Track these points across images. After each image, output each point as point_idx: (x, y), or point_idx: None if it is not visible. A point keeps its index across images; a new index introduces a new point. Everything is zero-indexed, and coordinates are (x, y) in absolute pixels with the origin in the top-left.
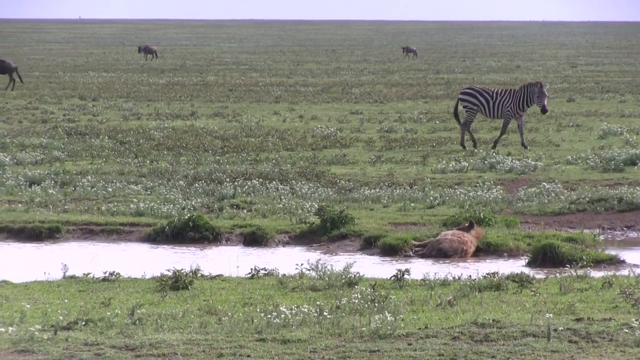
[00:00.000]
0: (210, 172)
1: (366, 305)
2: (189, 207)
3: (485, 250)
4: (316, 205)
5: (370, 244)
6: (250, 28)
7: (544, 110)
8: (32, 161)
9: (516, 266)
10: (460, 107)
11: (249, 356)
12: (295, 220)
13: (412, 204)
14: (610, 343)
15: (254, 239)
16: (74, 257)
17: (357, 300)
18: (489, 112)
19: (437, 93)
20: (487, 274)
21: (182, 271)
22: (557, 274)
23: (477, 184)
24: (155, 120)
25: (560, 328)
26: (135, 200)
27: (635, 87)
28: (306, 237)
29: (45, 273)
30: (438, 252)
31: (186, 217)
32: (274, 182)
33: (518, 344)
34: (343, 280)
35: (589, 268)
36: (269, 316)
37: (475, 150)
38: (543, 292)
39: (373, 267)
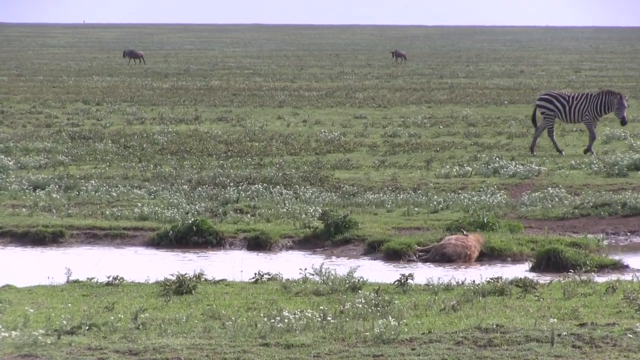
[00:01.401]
0: (214, 177)
1: (370, 310)
2: (192, 211)
3: (489, 255)
4: (320, 210)
5: (374, 249)
6: (254, 32)
7: (623, 122)
8: (35, 165)
9: (520, 271)
10: (538, 114)
11: None
12: (299, 225)
13: (416, 209)
14: (614, 348)
15: (258, 243)
16: (77, 261)
17: (360, 305)
18: (566, 117)
19: (440, 98)
20: (491, 278)
21: (185, 276)
22: (561, 279)
23: (481, 189)
24: (159, 124)
25: (564, 333)
26: (139, 204)
27: (639, 92)
28: (310, 242)
29: (48, 277)
30: (442, 257)
31: (190, 221)
32: (278, 187)
33: (522, 348)
34: (347, 285)
35: (592, 273)
36: (273, 321)
37: (560, 155)
38: (547, 297)
39: (377, 272)
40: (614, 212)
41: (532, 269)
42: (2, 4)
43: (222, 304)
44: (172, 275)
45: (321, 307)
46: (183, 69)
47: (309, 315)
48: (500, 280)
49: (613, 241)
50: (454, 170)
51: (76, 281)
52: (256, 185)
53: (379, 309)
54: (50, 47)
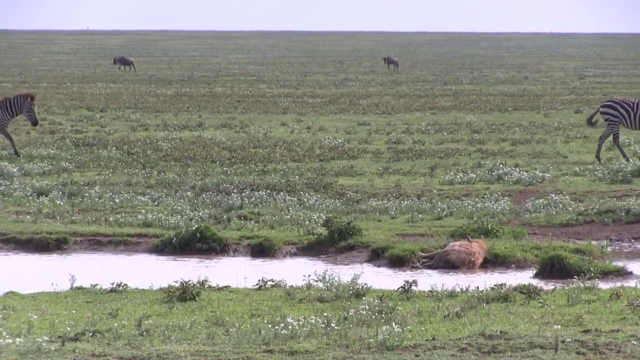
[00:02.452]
0: (217, 183)
1: (374, 317)
2: (196, 218)
3: (492, 262)
4: (324, 217)
5: (377, 255)
6: (258, 39)
7: None
8: (39, 172)
9: (524, 277)
10: (601, 120)
11: None
12: (303, 232)
13: (420, 215)
14: (618, 355)
15: (262, 250)
16: (81, 268)
17: (364, 312)
18: (631, 123)
19: (444, 104)
20: (495, 285)
21: (189, 282)
22: (565, 286)
23: (485, 196)
24: (163, 131)
25: (568, 339)
26: (142, 211)
27: None
28: (314, 249)
29: (52, 284)
30: (446, 264)
31: (194, 228)
32: (282, 193)
33: (525, 355)
34: (350, 292)
35: (596, 279)
36: (277, 327)
37: (627, 163)
38: (551, 304)
39: (380, 278)
40: (618, 218)
41: (536, 276)
42: (6, 11)
43: (225, 311)
44: (175, 281)
45: (325, 314)
46: (187, 76)
47: (313, 321)
48: (504, 286)
49: (617, 248)
50: (458, 176)
51: (80, 288)
52: (260, 192)
53: (382, 315)
54: (54, 53)
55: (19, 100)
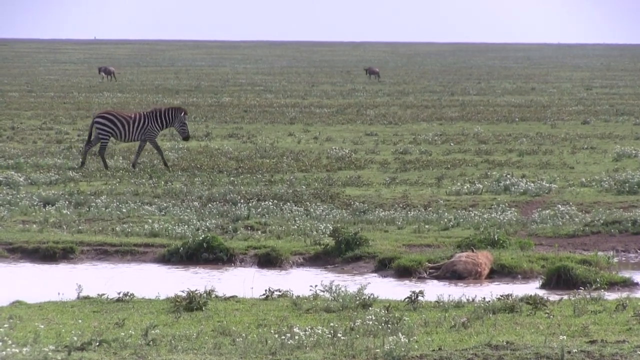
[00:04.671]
0: (224, 193)
1: (380, 327)
2: (203, 228)
3: (499, 272)
4: (330, 227)
5: (384, 266)
6: (265, 49)
7: None
8: (46, 181)
9: (530, 288)
10: None
11: None
12: (310, 242)
13: (427, 226)
14: None
15: (268, 260)
16: (88, 277)
17: (371, 322)
18: None
19: (452, 115)
20: (501, 295)
21: (196, 292)
22: (571, 296)
23: (492, 206)
24: (170, 140)
25: (574, 350)
26: (149, 220)
27: None
28: (320, 259)
29: (59, 293)
30: (452, 274)
31: (200, 238)
32: (289, 204)
33: None
34: (357, 302)
35: (602, 290)
36: (283, 337)
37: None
38: (557, 314)
39: (387, 289)
40: (624, 229)
41: (543, 286)
42: (13, 20)
43: (232, 321)
44: (182, 291)
45: (331, 324)
46: (194, 86)
47: (320, 332)
48: (510, 297)
49: (623, 259)
50: (465, 187)
51: (86, 297)
52: (267, 202)
53: (389, 325)
54: (61, 63)
55: (172, 113)
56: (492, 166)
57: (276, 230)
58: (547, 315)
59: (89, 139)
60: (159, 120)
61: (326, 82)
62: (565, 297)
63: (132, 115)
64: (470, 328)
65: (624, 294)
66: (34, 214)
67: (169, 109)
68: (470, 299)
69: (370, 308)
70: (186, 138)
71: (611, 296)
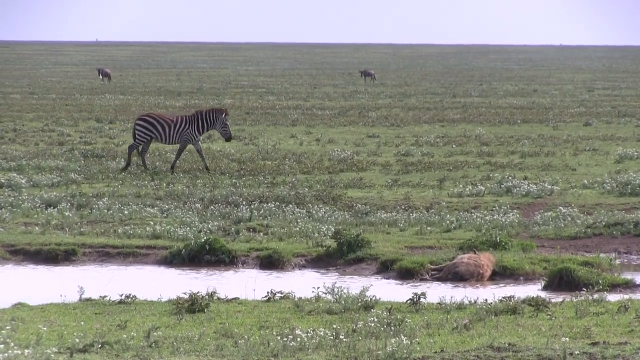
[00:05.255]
0: (226, 195)
1: (382, 329)
2: (205, 230)
3: (501, 274)
4: (332, 229)
5: (386, 268)
6: (267, 51)
7: None
8: (48, 183)
9: (532, 290)
10: None
11: None
12: (312, 244)
13: (429, 228)
14: None
15: (271, 262)
16: (90, 279)
17: (373, 324)
18: None
19: (453, 117)
20: (503, 297)
21: (198, 294)
22: (573, 298)
23: (494, 208)
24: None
25: (576, 352)
26: (151, 222)
27: None
28: (322, 261)
29: (61, 295)
30: (454, 276)
31: (202, 240)
32: (291, 206)
33: None
34: (359, 304)
35: (604, 292)
36: (285, 339)
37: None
38: (559, 316)
39: (389, 291)
40: (626, 231)
41: (545, 288)
42: (14, 22)
43: (234, 323)
44: (184, 293)
45: (334, 326)
46: (196, 88)
47: (322, 333)
48: (512, 299)
49: (625, 260)
50: (467, 189)
51: (89, 299)
52: (269, 204)
53: (391, 327)
54: (63, 65)
55: (213, 115)
56: (494, 168)
57: (278, 232)
58: (549, 317)
59: (135, 140)
60: (200, 123)
61: (328, 84)
62: (568, 298)
63: (174, 118)
64: (473, 330)
65: (626, 296)
66: (36, 216)
67: (210, 110)
68: (473, 301)
69: (372, 310)
70: (228, 139)
71: (613, 298)
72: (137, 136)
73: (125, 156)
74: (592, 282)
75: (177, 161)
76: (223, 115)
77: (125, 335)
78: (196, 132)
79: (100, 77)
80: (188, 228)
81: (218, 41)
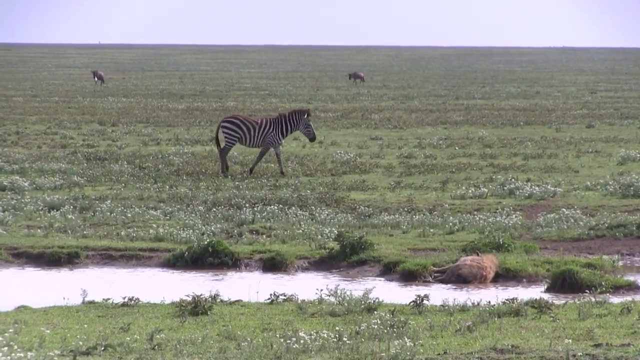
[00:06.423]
0: (229, 198)
1: (385, 331)
2: (208, 232)
3: (504, 276)
4: (335, 231)
5: (389, 270)
6: (270, 53)
7: None
8: (51, 186)
9: (535, 292)
10: None
11: None
12: (315, 246)
13: (432, 230)
14: None
15: (274, 264)
16: (93, 282)
17: (376, 326)
18: None
19: (456, 119)
20: (506, 299)
21: (201, 296)
22: (576, 300)
23: (497, 210)
24: (175, 145)
25: (579, 354)
26: (154, 225)
27: None
28: (325, 263)
29: (64, 298)
30: (457, 278)
31: (205, 242)
32: (294, 208)
33: None
34: (362, 306)
35: (607, 294)
36: (288, 341)
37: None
38: (562, 318)
39: (392, 293)
40: (629, 233)
41: (548, 290)
42: (17, 25)
43: (237, 325)
44: (187, 296)
45: (337, 328)
46: (199, 90)
47: (325, 336)
48: (515, 301)
49: (628, 262)
50: (470, 191)
51: (92, 302)
52: (272, 207)
53: (394, 329)
54: (66, 67)
55: (297, 116)
56: (496, 170)
57: (281, 235)
58: (552, 318)
59: (218, 144)
60: (284, 126)
61: (331, 86)
62: (570, 300)
63: (259, 121)
64: (476, 332)
65: (629, 298)
66: (38, 218)
67: (293, 112)
68: (476, 303)
69: (375, 312)
70: (312, 139)
71: (616, 299)
72: (225, 139)
73: (219, 162)
74: (595, 284)
75: (257, 164)
76: (306, 116)
77: (128, 338)
78: (280, 135)
79: (95, 79)
80: (191, 230)
81: (221, 44)
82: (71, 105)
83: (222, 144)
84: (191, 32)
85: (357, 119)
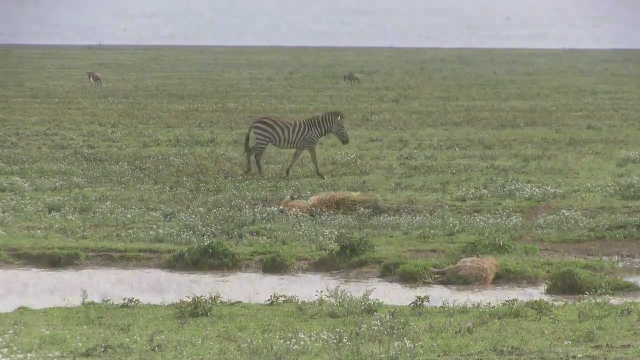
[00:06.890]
0: (230, 199)
1: (386, 333)
2: (208, 233)
3: (504, 278)
4: (336, 233)
5: (390, 271)
6: (271, 55)
7: None
8: (51, 187)
9: (535, 293)
10: None
11: None
12: (315, 247)
13: (432, 231)
14: None
15: (274, 265)
16: (93, 283)
17: (376, 327)
18: None
19: (457, 120)
20: (507, 301)
21: (201, 298)
22: (576, 301)
23: (497, 212)
24: (175, 146)
25: (580, 355)
26: (154, 226)
27: None
28: (326, 264)
29: (64, 300)
30: (458, 279)
31: (206, 244)
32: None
33: None
34: (363, 307)
35: (608, 295)
36: (289, 343)
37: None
38: (562, 320)
39: (393, 294)
40: (629, 234)
41: (548, 292)
42: (18, 26)
43: (238, 326)
44: (188, 297)
45: (337, 330)
46: (199, 91)
47: (325, 337)
48: (515, 302)
49: (628, 263)
50: (470, 192)
51: (92, 303)
52: (272, 208)
53: (395, 331)
54: (66, 68)
55: (330, 118)
56: (497, 172)
57: (281, 236)
58: (552, 320)
59: (247, 146)
60: (318, 128)
61: (332, 87)
62: (571, 302)
63: (293, 123)
64: (476, 333)
65: (629, 299)
66: (39, 220)
67: (326, 114)
68: (476, 304)
69: (375, 313)
70: (346, 142)
71: (616, 301)
72: (257, 140)
73: (249, 166)
74: (595, 286)
75: (293, 166)
76: (339, 119)
77: (128, 340)
78: (317, 136)
79: (92, 80)
80: (191, 232)
81: (221, 44)
82: (71, 106)
83: (254, 145)
84: (192, 33)
85: (357, 120)
